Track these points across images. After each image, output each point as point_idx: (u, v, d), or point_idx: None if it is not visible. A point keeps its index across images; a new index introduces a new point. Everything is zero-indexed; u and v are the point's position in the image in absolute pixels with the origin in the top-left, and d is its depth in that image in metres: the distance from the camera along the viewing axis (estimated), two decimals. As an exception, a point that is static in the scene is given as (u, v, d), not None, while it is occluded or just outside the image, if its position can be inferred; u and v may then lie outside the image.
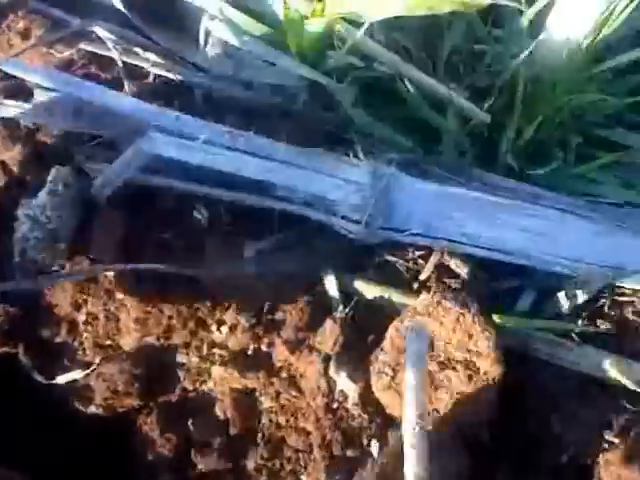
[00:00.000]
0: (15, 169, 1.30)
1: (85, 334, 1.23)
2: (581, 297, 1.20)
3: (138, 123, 1.25)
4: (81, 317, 1.22)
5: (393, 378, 1.12)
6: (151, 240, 1.26)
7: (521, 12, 1.35)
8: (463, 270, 1.20)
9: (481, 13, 1.39)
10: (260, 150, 1.24)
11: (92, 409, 1.21)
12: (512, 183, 1.27)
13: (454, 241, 1.22)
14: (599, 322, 1.19)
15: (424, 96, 1.32)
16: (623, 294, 1.21)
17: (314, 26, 1.27)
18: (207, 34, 1.37)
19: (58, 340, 1.23)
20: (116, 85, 1.35)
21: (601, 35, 1.25)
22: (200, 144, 1.22)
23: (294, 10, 1.27)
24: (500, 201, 1.23)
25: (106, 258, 1.23)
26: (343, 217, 1.23)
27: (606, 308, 1.20)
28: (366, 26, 1.22)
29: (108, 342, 1.22)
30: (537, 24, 1.32)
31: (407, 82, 1.28)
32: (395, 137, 1.31)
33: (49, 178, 1.25)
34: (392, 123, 1.32)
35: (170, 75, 1.37)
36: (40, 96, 1.27)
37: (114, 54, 1.35)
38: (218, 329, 1.21)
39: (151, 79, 1.37)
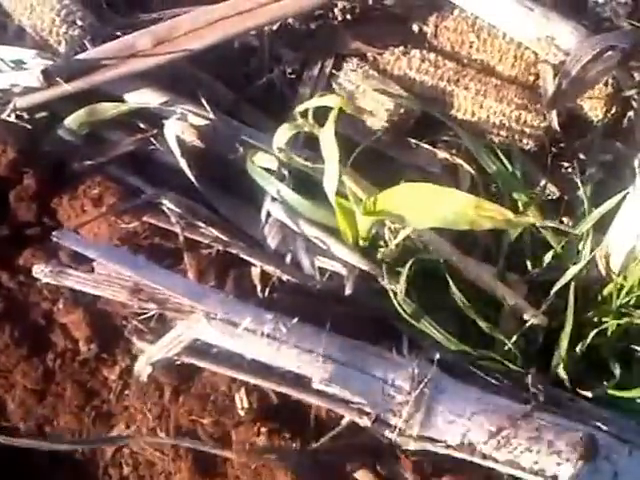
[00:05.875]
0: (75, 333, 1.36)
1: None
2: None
3: (187, 303, 1.27)
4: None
5: None
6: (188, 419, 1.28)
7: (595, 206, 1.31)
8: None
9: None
10: (301, 341, 1.22)
11: None
12: (563, 395, 1.20)
13: (492, 458, 1.15)
14: None
15: (477, 291, 1.28)
16: None
17: (365, 219, 1.26)
18: (268, 213, 1.40)
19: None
20: (177, 257, 1.39)
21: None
22: (241, 330, 1.22)
23: (346, 201, 1.27)
24: (544, 419, 1.15)
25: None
26: (377, 419, 1.19)
27: None
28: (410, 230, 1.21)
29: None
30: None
31: (454, 284, 1.24)
32: (442, 334, 1.26)
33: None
34: (442, 317, 1.28)
35: (229, 249, 1.39)
36: (100, 269, 1.31)
37: (177, 229, 1.39)
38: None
39: (210, 252, 1.40)
